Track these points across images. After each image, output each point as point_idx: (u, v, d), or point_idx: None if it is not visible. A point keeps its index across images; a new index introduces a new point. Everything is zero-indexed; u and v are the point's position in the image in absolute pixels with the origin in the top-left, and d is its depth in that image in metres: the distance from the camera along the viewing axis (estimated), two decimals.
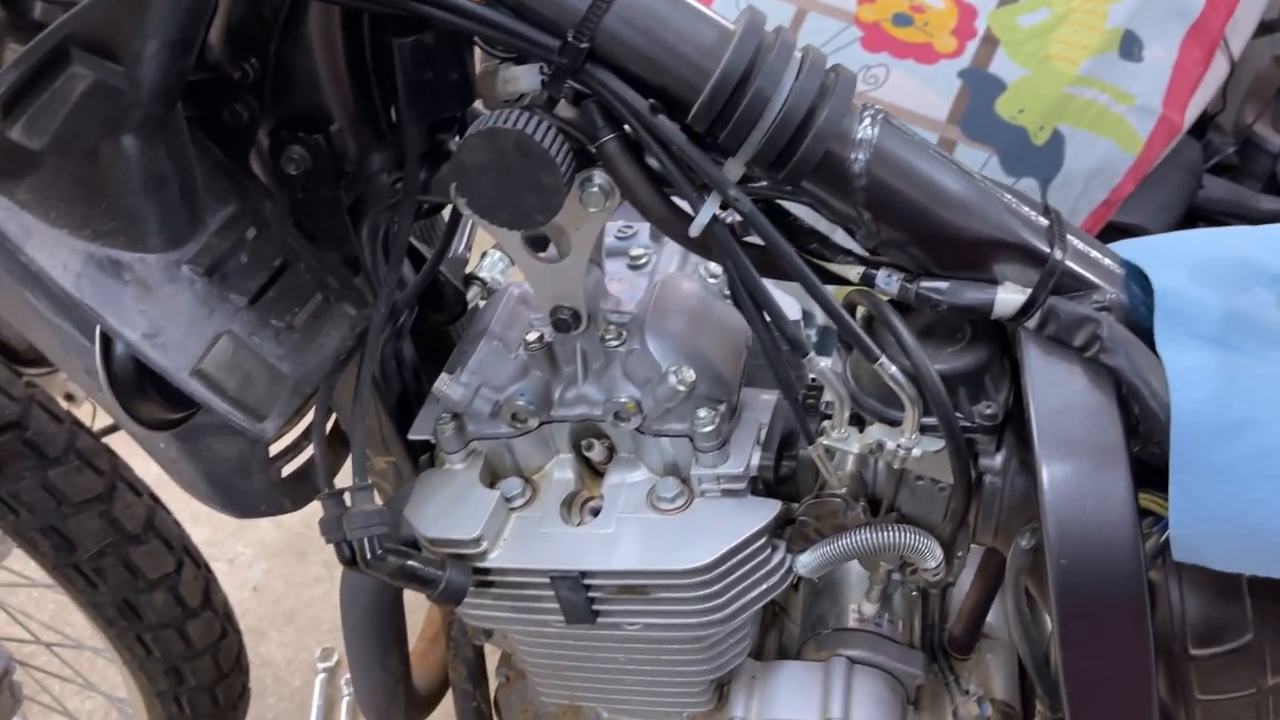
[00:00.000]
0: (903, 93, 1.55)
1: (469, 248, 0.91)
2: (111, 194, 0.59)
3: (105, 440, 1.05)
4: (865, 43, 1.56)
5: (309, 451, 0.89)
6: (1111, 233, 1.55)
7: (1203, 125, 1.69)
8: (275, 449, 0.87)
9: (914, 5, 1.61)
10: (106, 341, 0.63)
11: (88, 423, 1.05)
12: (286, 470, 0.87)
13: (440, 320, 0.86)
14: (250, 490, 0.84)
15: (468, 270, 0.91)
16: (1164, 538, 0.62)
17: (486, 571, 0.75)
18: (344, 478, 0.76)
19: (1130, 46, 1.47)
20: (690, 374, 0.71)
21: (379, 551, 0.69)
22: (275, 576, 1.86)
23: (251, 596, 1.84)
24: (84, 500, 1.00)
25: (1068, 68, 1.48)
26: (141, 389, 0.65)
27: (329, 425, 0.87)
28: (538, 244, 0.74)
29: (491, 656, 1.00)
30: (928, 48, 1.56)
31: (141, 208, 0.60)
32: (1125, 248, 0.69)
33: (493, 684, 0.99)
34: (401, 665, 0.91)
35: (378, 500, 0.72)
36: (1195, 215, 1.70)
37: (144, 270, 0.61)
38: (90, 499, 1.00)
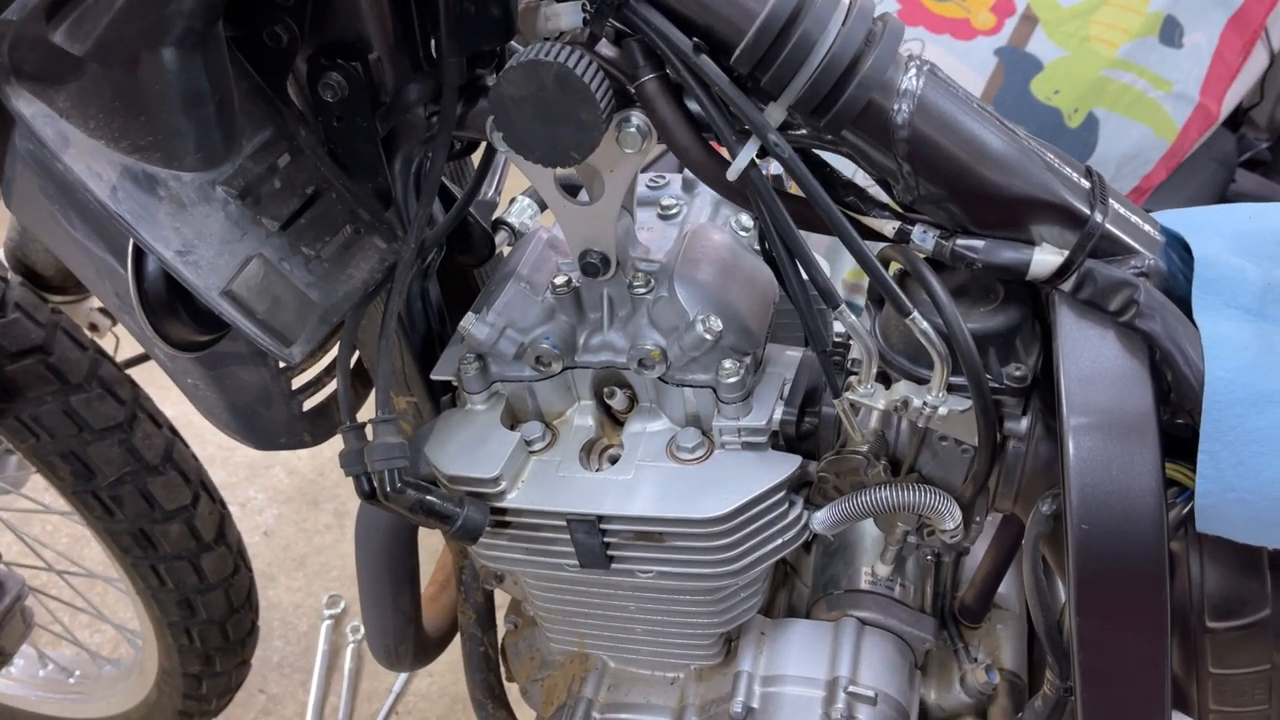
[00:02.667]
0: None
1: (499, 192, 0.90)
2: (150, 108, 0.59)
3: (128, 373, 1.06)
4: (902, 15, 1.55)
5: (330, 387, 0.89)
6: None
7: (1237, 119, 1.67)
8: (298, 383, 0.87)
9: None
10: (139, 259, 0.63)
11: (111, 353, 1.06)
12: (308, 405, 0.87)
13: (467, 262, 0.86)
14: (271, 421, 0.84)
15: (496, 215, 0.91)
16: (1187, 509, 0.61)
17: (504, 512, 0.75)
18: (365, 416, 0.76)
19: (1171, 32, 1.45)
20: (718, 323, 0.71)
21: (398, 485, 0.70)
22: (286, 522, 1.88)
23: (262, 541, 1.85)
24: (105, 428, 1.00)
25: (1106, 50, 1.46)
26: (172, 308, 0.65)
27: (352, 362, 0.87)
28: (570, 189, 0.74)
29: (500, 605, 1.00)
30: (965, 23, 1.55)
31: (179, 124, 0.60)
32: (1166, 216, 0.68)
33: (501, 631, 0.99)
34: (413, 605, 0.92)
35: (400, 435, 0.72)
36: None
37: (179, 187, 0.61)
38: (111, 427, 1.01)
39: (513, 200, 0.90)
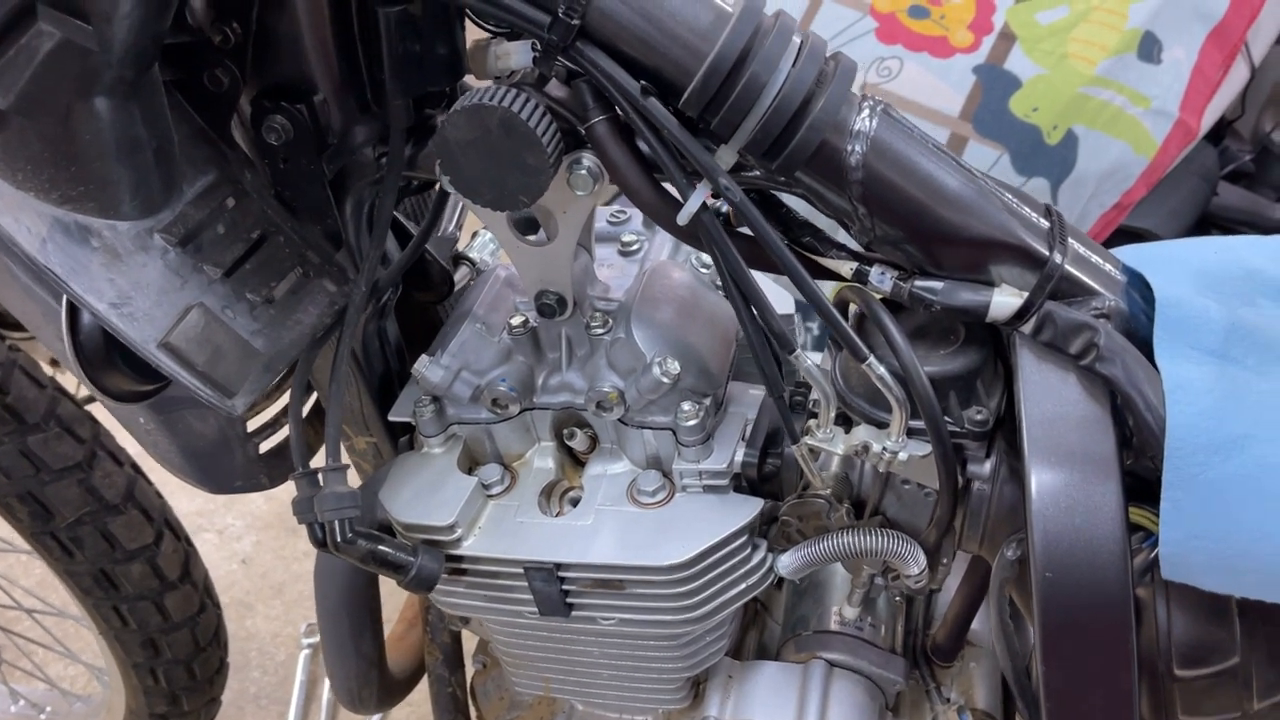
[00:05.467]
0: (916, 86, 1.52)
1: (459, 226, 0.89)
2: (82, 157, 0.57)
3: (88, 408, 1.04)
4: (880, 34, 1.54)
5: (288, 428, 0.88)
6: (1122, 237, 1.52)
7: (1220, 131, 1.67)
8: (254, 424, 0.85)
9: None
10: (74, 310, 0.62)
11: (72, 389, 1.04)
12: (265, 446, 0.85)
13: (426, 299, 0.84)
14: (227, 465, 0.82)
15: (460, 249, 0.89)
16: (1153, 554, 0.60)
17: (460, 559, 0.73)
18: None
19: (1150, 48, 1.44)
20: (675, 366, 0.69)
21: (349, 535, 0.68)
22: (264, 550, 1.85)
23: (240, 569, 1.83)
24: (63, 468, 0.98)
25: (1085, 67, 1.45)
26: (110, 359, 0.63)
27: (310, 403, 0.85)
28: (526, 226, 0.72)
29: (469, 642, 0.98)
30: (943, 41, 1.54)
31: (113, 173, 0.58)
32: (1129, 253, 0.67)
33: (469, 670, 0.98)
34: (375, 648, 0.90)
35: (352, 482, 0.70)
36: (1208, 222, 1.67)
37: (114, 237, 0.60)
38: (69, 467, 0.99)
39: (475, 234, 0.89)
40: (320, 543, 0.69)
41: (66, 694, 1.39)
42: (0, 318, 1.02)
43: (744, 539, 0.71)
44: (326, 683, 1.62)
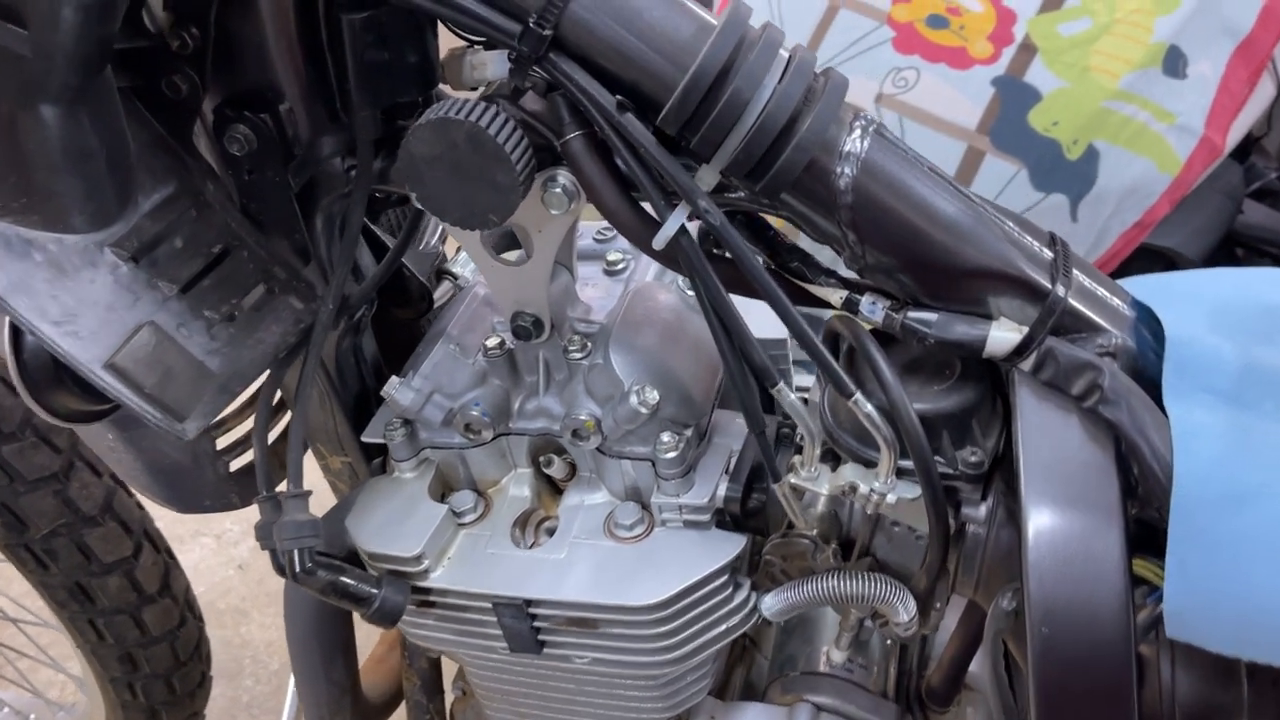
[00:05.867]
0: (933, 98, 1.48)
1: (443, 240, 0.85)
2: (25, 167, 0.54)
3: None
4: (897, 43, 1.50)
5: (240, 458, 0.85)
6: (1144, 256, 1.47)
7: (1246, 148, 1.61)
8: (225, 441, 0.82)
9: (950, 7, 1.54)
10: (18, 328, 0.59)
11: None
12: (236, 464, 0.82)
13: (405, 315, 0.81)
14: (195, 484, 0.79)
15: (444, 264, 0.86)
16: (1158, 610, 0.56)
17: (428, 591, 0.70)
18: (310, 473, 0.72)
19: (1175, 62, 1.40)
20: (654, 395, 0.65)
21: (308, 565, 0.65)
22: (261, 555, 1.81)
23: (236, 574, 1.81)
24: (38, 478, 0.96)
25: (1108, 81, 1.40)
26: (58, 379, 0.60)
27: (283, 424, 0.82)
28: (504, 243, 0.69)
29: (449, 669, 0.95)
30: (962, 52, 1.49)
31: (60, 183, 0.55)
32: (1140, 285, 0.63)
33: (449, 698, 0.94)
34: (347, 675, 0.87)
35: (327, 503, 0.67)
36: (1233, 241, 1.62)
37: (60, 252, 0.57)
38: (45, 477, 0.96)
39: (459, 249, 0.86)
40: (281, 570, 0.66)
41: (50, 703, 1.37)
42: None
43: (725, 578, 0.67)
44: None
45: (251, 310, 0.65)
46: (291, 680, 1.62)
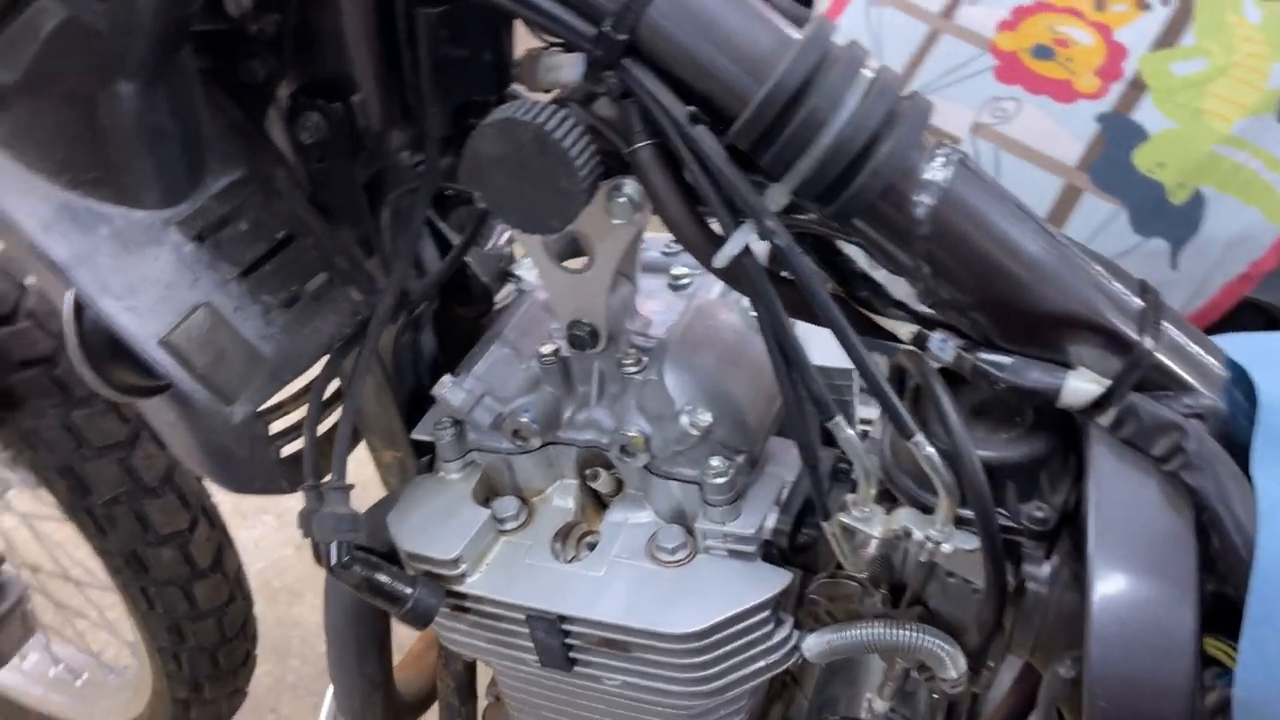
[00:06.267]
0: (1032, 131, 1.43)
1: (511, 242, 0.85)
2: (100, 141, 0.55)
3: None
4: (999, 72, 1.45)
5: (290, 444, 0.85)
6: (1246, 311, 1.40)
7: None
8: (280, 426, 0.83)
9: (1058, 39, 1.48)
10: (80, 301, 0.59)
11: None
12: (287, 450, 0.83)
13: (466, 314, 0.80)
14: (246, 465, 0.80)
15: (511, 266, 0.85)
16: (1228, 694, 0.52)
17: (463, 596, 0.69)
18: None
19: None
20: (706, 416, 0.63)
21: (345, 559, 0.64)
22: None
23: (294, 554, 1.84)
24: (104, 445, 0.98)
25: (1220, 125, 1.33)
26: (115, 352, 0.61)
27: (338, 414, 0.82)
28: (568, 249, 0.68)
29: (484, 674, 0.94)
30: (1067, 85, 1.44)
31: (132, 159, 0.56)
32: (1237, 344, 0.58)
33: (482, 703, 0.93)
34: (380, 670, 0.86)
35: (376, 496, 0.67)
36: None
37: (126, 227, 0.57)
38: (110, 445, 0.98)
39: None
40: (321, 560, 0.66)
41: (102, 664, 1.40)
42: None
43: (767, 614, 0.65)
44: None
45: (310, 299, 0.64)
46: None
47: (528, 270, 0.84)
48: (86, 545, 1.07)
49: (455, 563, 0.67)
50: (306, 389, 0.81)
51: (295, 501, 2.15)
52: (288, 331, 0.63)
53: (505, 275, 0.83)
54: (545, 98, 0.58)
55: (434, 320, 0.81)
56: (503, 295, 0.83)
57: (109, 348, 0.60)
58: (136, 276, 0.57)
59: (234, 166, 0.62)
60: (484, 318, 0.81)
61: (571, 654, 0.68)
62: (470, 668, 0.91)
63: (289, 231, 0.64)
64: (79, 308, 0.59)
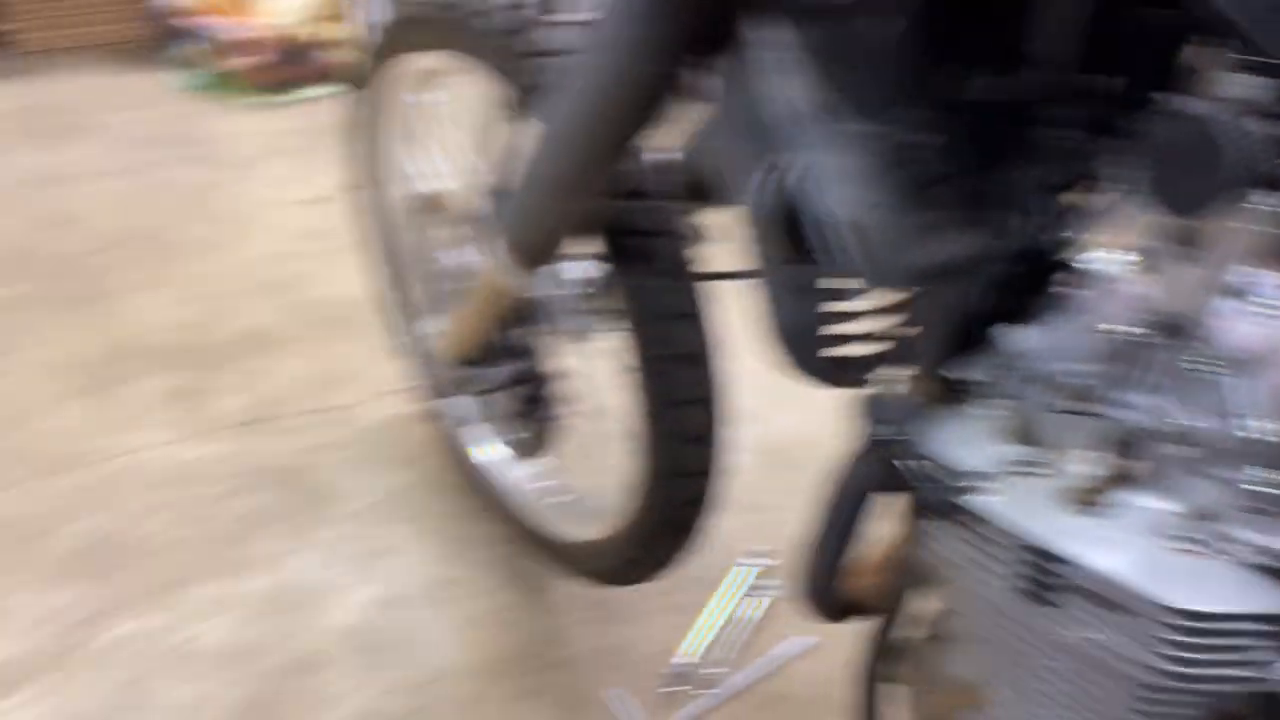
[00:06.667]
0: None
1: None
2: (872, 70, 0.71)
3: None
4: None
5: (852, 346, 0.97)
6: None
7: None
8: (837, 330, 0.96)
9: None
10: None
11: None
12: (836, 352, 0.96)
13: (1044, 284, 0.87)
14: (804, 354, 0.94)
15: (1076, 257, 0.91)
16: None
17: (968, 512, 0.77)
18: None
19: None
20: (1267, 427, 0.66)
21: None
22: (755, 469, 2.01)
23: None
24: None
25: None
26: (784, 224, 0.77)
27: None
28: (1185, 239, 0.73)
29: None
30: None
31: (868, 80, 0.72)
32: None
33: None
34: (830, 561, 0.96)
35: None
36: None
37: (842, 130, 0.73)
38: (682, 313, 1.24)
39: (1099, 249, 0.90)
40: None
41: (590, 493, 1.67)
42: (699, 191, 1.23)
43: (1271, 628, 0.66)
44: (758, 603, 1.77)
45: (954, 225, 0.76)
46: (724, 584, 1.81)
47: (1090, 264, 0.89)
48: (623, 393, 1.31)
49: (981, 475, 0.76)
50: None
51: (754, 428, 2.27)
52: (923, 243, 0.75)
53: (1063, 265, 0.89)
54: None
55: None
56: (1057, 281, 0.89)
57: (781, 219, 0.77)
58: (834, 165, 0.73)
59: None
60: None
61: (1050, 594, 0.74)
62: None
63: (967, 165, 0.76)
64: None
